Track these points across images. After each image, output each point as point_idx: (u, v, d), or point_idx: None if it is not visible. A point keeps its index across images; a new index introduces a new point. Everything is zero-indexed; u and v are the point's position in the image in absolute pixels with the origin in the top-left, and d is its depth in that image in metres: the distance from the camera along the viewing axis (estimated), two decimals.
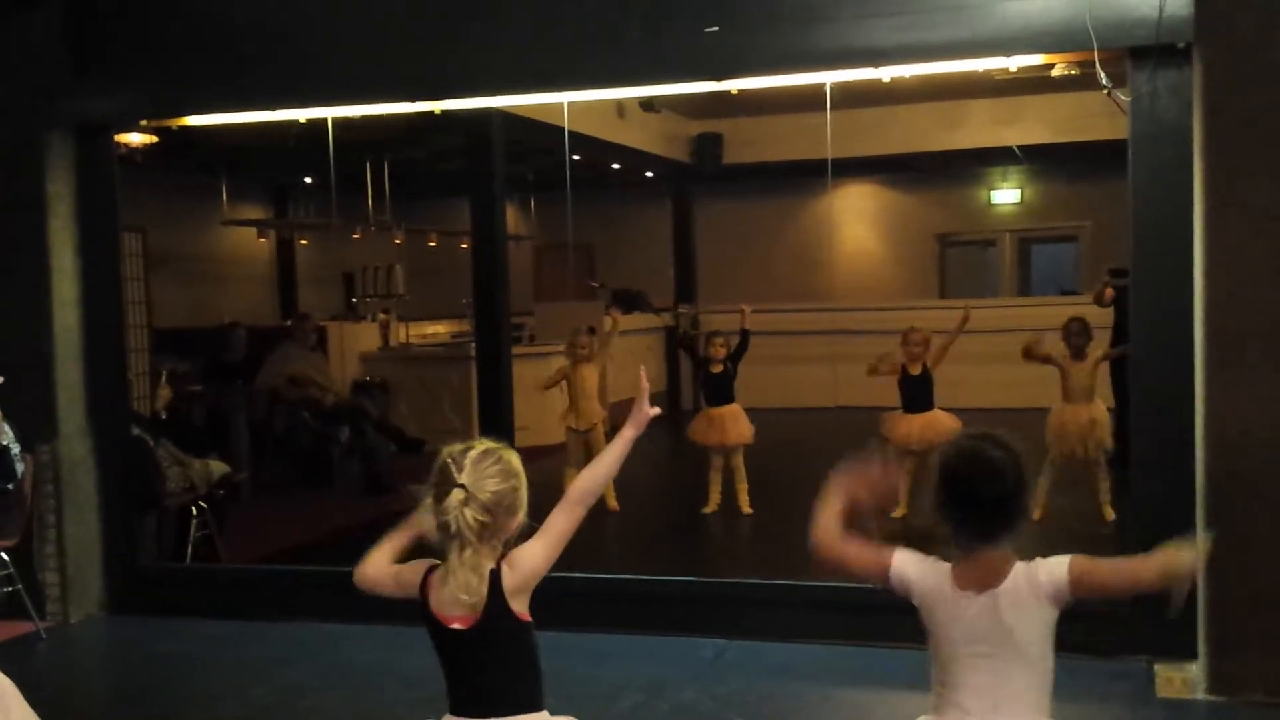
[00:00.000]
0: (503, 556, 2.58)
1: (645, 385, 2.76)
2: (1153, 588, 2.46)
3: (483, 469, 2.52)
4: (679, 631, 5.45)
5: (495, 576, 2.54)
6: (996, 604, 2.41)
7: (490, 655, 2.57)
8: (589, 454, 8.05)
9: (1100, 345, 7.49)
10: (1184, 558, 2.41)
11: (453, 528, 2.49)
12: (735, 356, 7.98)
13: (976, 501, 2.42)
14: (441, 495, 2.50)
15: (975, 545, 2.45)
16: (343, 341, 11.36)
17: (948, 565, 2.49)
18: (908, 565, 2.53)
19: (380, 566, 2.73)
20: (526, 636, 2.60)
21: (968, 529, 2.45)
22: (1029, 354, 7.24)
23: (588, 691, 4.63)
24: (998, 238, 14.63)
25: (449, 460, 2.53)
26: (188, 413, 8.48)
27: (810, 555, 2.63)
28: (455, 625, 2.56)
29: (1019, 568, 2.44)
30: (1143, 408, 5.03)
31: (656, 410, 2.74)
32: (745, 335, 8.00)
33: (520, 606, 2.56)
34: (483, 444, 2.57)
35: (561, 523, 2.61)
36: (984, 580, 2.43)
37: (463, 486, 2.49)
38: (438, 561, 2.62)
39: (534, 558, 2.58)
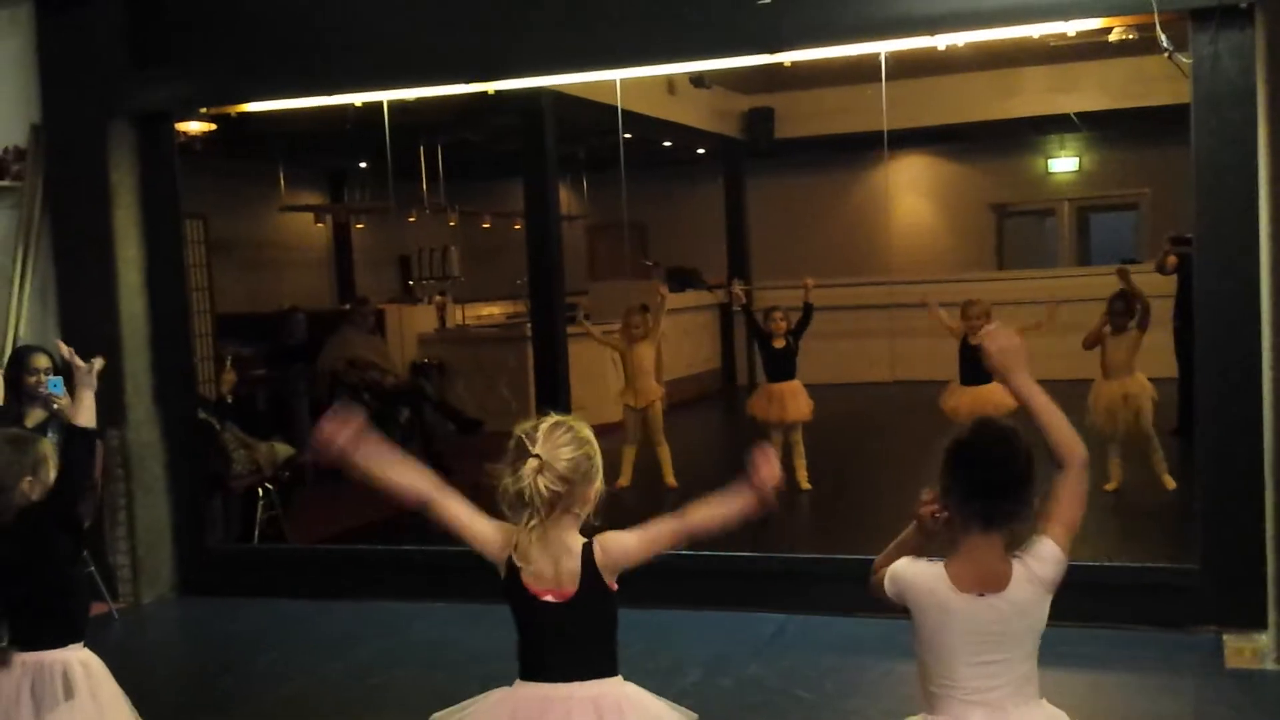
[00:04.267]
0: (594, 534, 2.62)
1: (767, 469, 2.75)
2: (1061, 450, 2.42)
3: (556, 439, 2.56)
4: (740, 607, 5.47)
5: (588, 552, 2.59)
6: (1002, 609, 2.36)
7: (579, 626, 2.61)
8: (646, 431, 8.08)
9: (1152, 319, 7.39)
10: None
11: (527, 496, 2.52)
12: (798, 331, 7.93)
13: (989, 485, 2.36)
14: (517, 468, 2.54)
15: (971, 530, 2.38)
16: (400, 324, 11.46)
17: (940, 566, 2.42)
18: (902, 568, 2.46)
19: (466, 509, 2.66)
20: (613, 608, 2.65)
21: (969, 509, 2.37)
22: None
23: (650, 667, 4.66)
24: (1056, 207, 14.41)
25: (522, 435, 2.57)
26: (251, 396, 8.61)
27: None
28: (548, 598, 2.59)
29: (1018, 570, 2.38)
30: (1208, 376, 4.95)
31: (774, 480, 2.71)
32: (808, 309, 7.95)
33: (610, 580, 2.61)
34: (552, 417, 2.61)
35: (665, 534, 2.63)
36: (985, 582, 2.37)
37: (537, 456, 2.53)
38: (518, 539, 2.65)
39: (626, 550, 2.61)
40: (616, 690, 2.62)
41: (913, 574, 2.44)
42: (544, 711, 2.57)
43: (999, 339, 2.48)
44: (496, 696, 2.67)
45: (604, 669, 2.63)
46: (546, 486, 2.52)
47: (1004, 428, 2.43)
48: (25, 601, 3.28)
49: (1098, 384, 7.19)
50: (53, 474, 3.37)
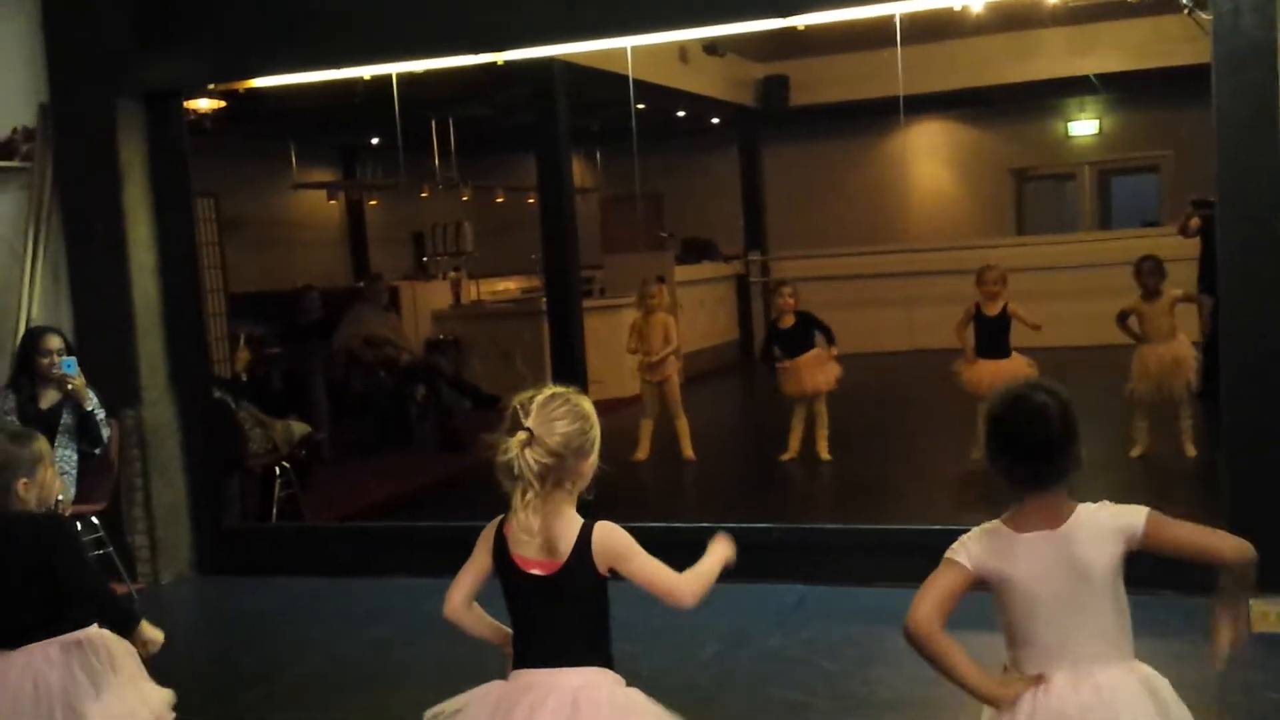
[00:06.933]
0: (590, 512, 2.59)
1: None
2: (1220, 563, 2.38)
3: (549, 411, 2.52)
4: (761, 579, 5.42)
5: (586, 531, 2.55)
6: (1066, 541, 2.34)
7: (564, 604, 2.57)
8: (664, 404, 8.03)
9: (1176, 282, 7.25)
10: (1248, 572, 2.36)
11: (515, 469, 2.49)
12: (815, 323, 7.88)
13: (1024, 447, 2.36)
14: (507, 442, 2.50)
15: (1029, 491, 2.38)
16: (415, 300, 11.45)
17: (998, 522, 2.41)
18: (975, 549, 2.40)
19: (471, 572, 2.72)
20: (602, 592, 2.59)
21: (1017, 476, 2.38)
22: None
23: (670, 640, 4.63)
24: (1076, 170, 14.27)
25: (517, 406, 2.54)
26: (267, 375, 8.61)
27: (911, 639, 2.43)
28: (534, 571, 2.56)
29: (1083, 508, 2.37)
30: (1232, 338, 4.87)
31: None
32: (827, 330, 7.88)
33: (601, 567, 2.56)
34: (550, 389, 2.58)
35: (662, 576, 2.56)
36: (1047, 521, 2.36)
37: (527, 430, 2.49)
38: (502, 517, 2.63)
39: (622, 551, 2.55)
40: (601, 681, 2.55)
41: (986, 545, 2.40)
42: (524, 697, 2.52)
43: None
44: (488, 688, 2.62)
45: (593, 657, 2.57)
46: (535, 460, 2.48)
47: (1035, 397, 2.38)
48: (36, 591, 3.27)
49: (1143, 350, 7.02)
50: (49, 473, 3.37)
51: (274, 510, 6.84)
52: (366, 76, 6.62)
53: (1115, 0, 7.10)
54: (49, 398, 5.56)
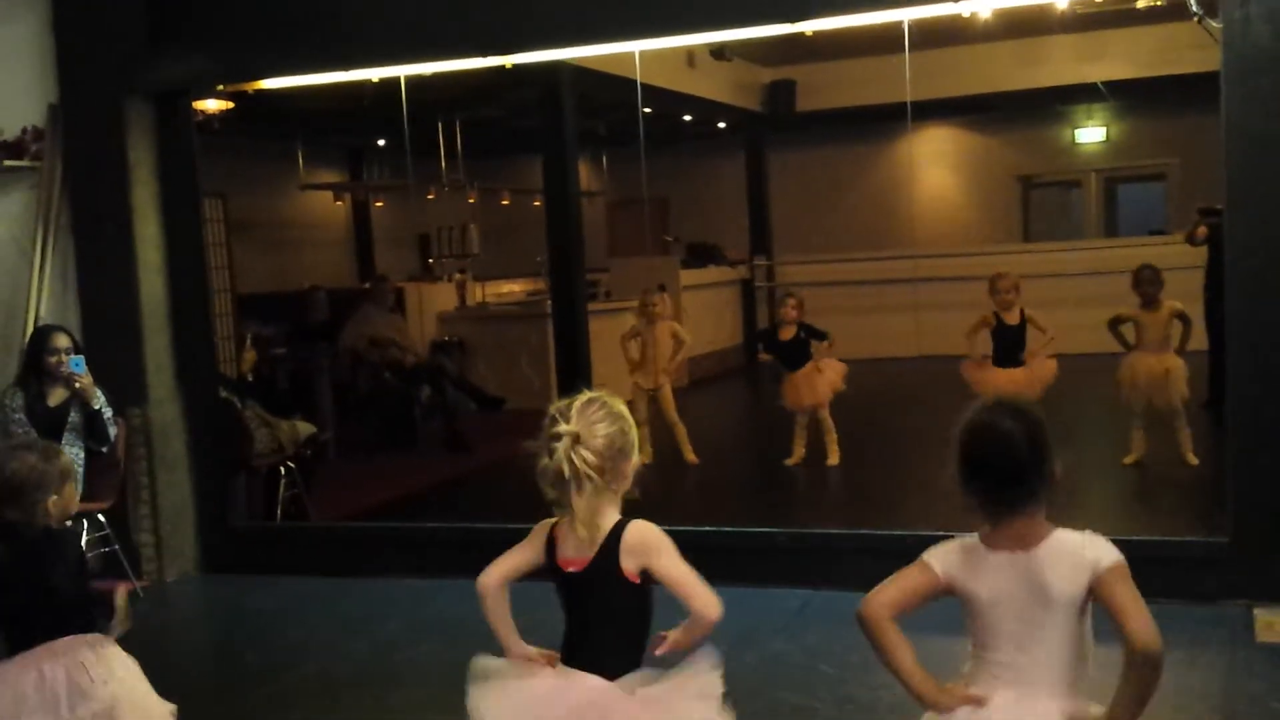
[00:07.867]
0: (633, 514, 2.61)
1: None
2: (1127, 640, 2.24)
3: (589, 415, 2.54)
4: (765, 583, 5.43)
5: (618, 528, 2.57)
6: (1034, 563, 2.31)
7: (594, 602, 2.59)
8: (657, 412, 8.02)
9: (1180, 291, 7.23)
10: None
11: (567, 472, 2.50)
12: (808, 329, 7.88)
13: (992, 476, 2.33)
14: (553, 446, 2.52)
15: (1001, 516, 2.36)
16: (420, 302, 11.46)
17: (975, 536, 2.40)
18: (949, 558, 2.40)
19: (513, 558, 2.71)
20: (633, 596, 2.58)
21: (989, 501, 2.36)
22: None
23: None
24: (1083, 178, 14.26)
25: (555, 413, 2.56)
26: (273, 375, 8.62)
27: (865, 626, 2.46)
28: (570, 569, 2.59)
29: (1060, 534, 2.33)
30: (1239, 348, 4.87)
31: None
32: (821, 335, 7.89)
33: (630, 566, 2.56)
34: (585, 394, 2.60)
35: (695, 580, 2.57)
36: (1019, 543, 2.34)
37: (573, 433, 2.51)
38: (554, 520, 2.65)
39: (656, 547, 2.56)
40: (621, 684, 2.55)
41: (959, 555, 2.41)
42: (549, 695, 2.55)
43: None
44: (532, 680, 2.63)
45: (630, 666, 2.58)
46: (585, 460, 2.50)
47: (1001, 425, 2.34)
48: (50, 600, 3.29)
49: (1133, 357, 6.99)
50: (71, 488, 3.40)
51: (279, 510, 6.85)
52: (374, 78, 6.63)
53: (1124, 7, 7.08)
54: (56, 396, 5.59)
